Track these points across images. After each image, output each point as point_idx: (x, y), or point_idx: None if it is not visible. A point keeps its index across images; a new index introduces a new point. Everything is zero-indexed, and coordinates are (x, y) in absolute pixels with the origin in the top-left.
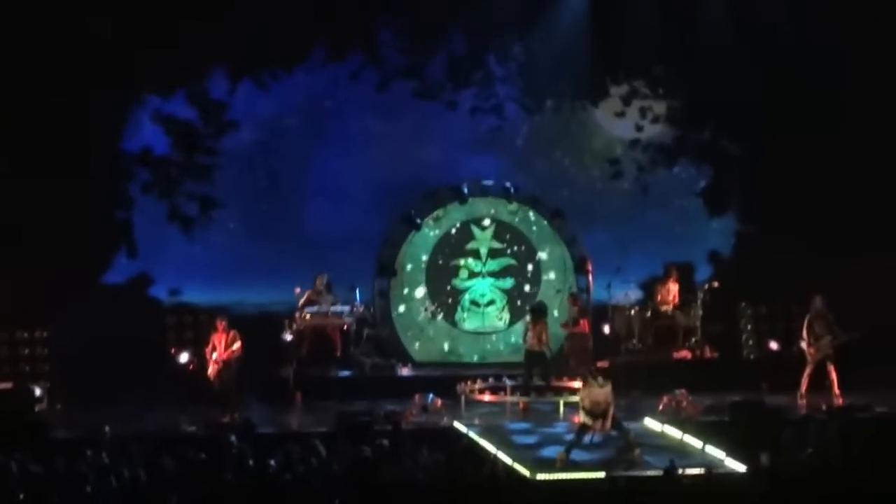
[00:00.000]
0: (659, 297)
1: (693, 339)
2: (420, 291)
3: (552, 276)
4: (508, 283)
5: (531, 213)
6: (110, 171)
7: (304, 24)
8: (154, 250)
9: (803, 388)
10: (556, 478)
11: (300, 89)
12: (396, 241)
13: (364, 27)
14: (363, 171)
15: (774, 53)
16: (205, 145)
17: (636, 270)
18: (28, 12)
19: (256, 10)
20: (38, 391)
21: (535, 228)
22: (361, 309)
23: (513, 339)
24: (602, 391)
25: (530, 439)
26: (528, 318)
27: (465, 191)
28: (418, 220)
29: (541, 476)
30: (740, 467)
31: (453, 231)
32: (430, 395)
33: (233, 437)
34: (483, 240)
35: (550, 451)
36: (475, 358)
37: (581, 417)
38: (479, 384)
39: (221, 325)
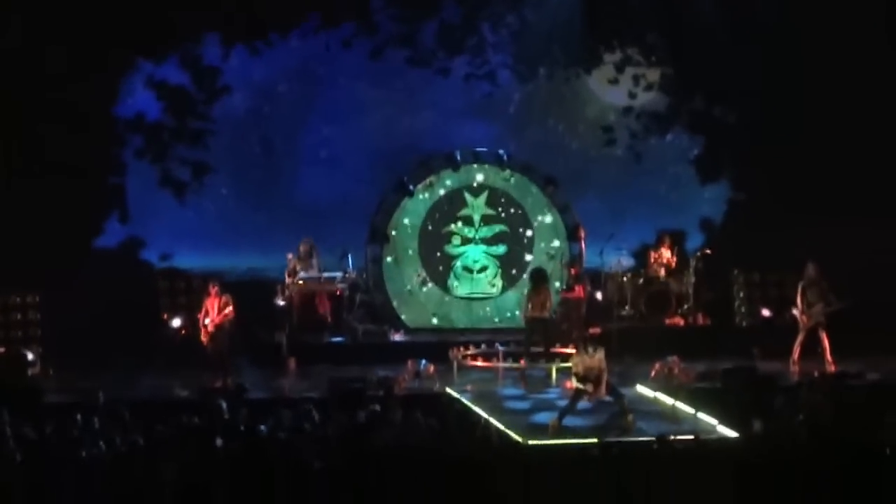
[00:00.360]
0: (652, 264)
1: (685, 306)
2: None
3: (556, 243)
4: (501, 249)
5: (525, 180)
6: (103, 135)
7: None
8: (146, 215)
9: (795, 355)
10: (548, 443)
11: (293, 56)
12: (389, 207)
13: None
14: (355, 138)
15: (767, 22)
16: (197, 111)
17: (629, 237)
18: None
19: None
20: (30, 356)
21: (529, 200)
22: (353, 275)
23: (506, 307)
24: (595, 358)
25: (523, 405)
26: (529, 285)
27: (458, 158)
28: (411, 187)
29: (533, 442)
30: (732, 434)
31: (445, 197)
32: (423, 361)
33: (223, 403)
34: (476, 206)
35: (543, 417)
36: (466, 323)
37: (574, 383)
38: (471, 350)
39: (214, 289)
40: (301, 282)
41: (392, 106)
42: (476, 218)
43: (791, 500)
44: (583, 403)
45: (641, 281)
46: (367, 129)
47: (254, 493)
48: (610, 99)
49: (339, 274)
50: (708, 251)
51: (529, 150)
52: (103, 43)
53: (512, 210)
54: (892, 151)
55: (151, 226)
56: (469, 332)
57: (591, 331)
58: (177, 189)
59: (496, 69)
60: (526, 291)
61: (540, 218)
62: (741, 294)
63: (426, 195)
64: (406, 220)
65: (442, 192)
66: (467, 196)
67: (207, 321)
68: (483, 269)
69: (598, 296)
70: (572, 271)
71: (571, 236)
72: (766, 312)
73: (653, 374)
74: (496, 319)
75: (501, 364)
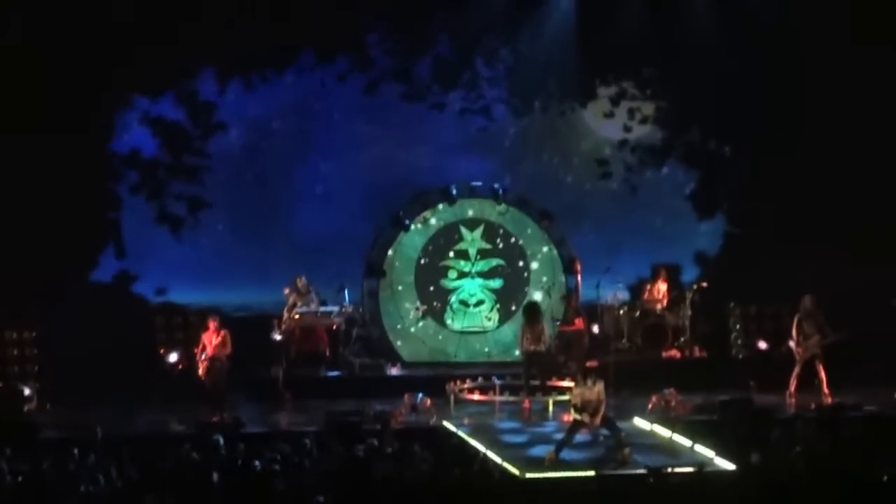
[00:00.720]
0: (647, 297)
1: (682, 339)
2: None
3: (544, 278)
4: (497, 283)
5: (521, 214)
6: (99, 172)
7: (292, 27)
8: (142, 251)
9: (792, 387)
10: (545, 476)
11: (288, 92)
12: (385, 242)
13: (352, 29)
14: (351, 174)
15: (762, 55)
16: (193, 147)
17: (624, 270)
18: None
19: (246, 12)
20: (27, 391)
21: (529, 231)
22: (350, 309)
23: (503, 341)
24: (594, 390)
25: (520, 438)
26: (523, 319)
27: (454, 192)
28: (407, 222)
29: (530, 475)
30: (729, 466)
31: (441, 231)
32: (420, 395)
33: (220, 438)
34: (472, 240)
35: (540, 451)
36: (462, 357)
37: (572, 416)
38: (468, 384)
39: (213, 324)
40: (298, 316)
41: (387, 141)
42: (472, 252)
43: None
44: (580, 436)
45: (638, 314)
46: (363, 164)
47: None
48: (605, 132)
49: (335, 308)
50: (704, 284)
51: (525, 183)
52: (99, 79)
53: (511, 241)
54: (887, 185)
55: (147, 261)
56: (466, 366)
57: (588, 364)
58: (173, 225)
59: (491, 104)
60: (521, 326)
61: (537, 251)
62: (737, 326)
63: (420, 227)
64: (402, 254)
65: (437, 224)
66: (463, 230)
67: (204, 356)
68: (479, 302)
69: (595, 329)
70: (570, 304)
71: (568, 269)
72: (762, 345)
73: (650, 406)
74: (493, 353)
75: (498, 397)
